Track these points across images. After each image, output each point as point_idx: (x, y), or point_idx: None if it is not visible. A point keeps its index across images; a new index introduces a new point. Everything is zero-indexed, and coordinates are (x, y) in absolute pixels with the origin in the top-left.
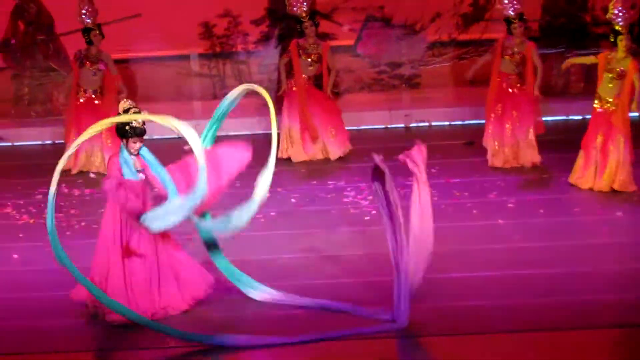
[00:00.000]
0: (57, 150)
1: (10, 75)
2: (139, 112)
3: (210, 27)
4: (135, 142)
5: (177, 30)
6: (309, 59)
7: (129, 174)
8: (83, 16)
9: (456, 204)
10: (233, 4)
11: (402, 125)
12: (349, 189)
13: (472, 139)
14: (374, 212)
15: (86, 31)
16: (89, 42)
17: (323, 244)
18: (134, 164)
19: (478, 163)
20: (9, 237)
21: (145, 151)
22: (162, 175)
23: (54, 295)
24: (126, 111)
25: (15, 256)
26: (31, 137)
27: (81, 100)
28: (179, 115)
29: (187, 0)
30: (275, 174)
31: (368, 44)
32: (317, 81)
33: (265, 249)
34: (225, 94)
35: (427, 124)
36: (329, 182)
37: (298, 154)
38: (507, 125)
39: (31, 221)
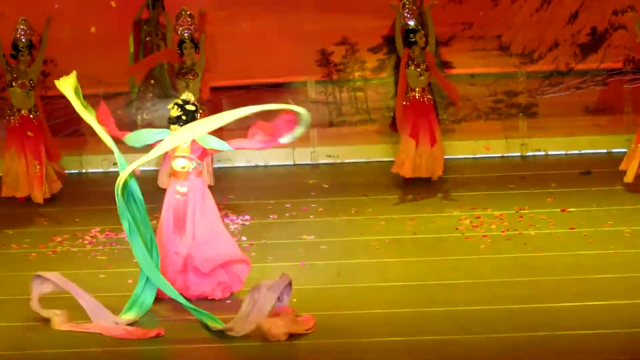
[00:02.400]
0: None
1: (126, 101)
2: (182, 108)
3: (328, 55)
4: (171, 129)
5: (294, 57)
6: (418, 69)
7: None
8: (181, 28)
9: (571, 234)
10: (351, 32)
11: (519, 154)
12: (464, 217)
13: (588, 169)
14: (489, 240)
15: (180, 43)
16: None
17: (436, 271)
18: (176, 148)
19: (594, 193)
20: (126, 262)
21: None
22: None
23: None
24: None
25: (130, 281)
26: (148, 163)
27: None
28: (295, 143)
29: (305, 28)
30: (390, 201)
31: None
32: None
33: (379, 275)
34: (343, 121)
35: (543, 153)
36: (445, 210)
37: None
38: None
39: None
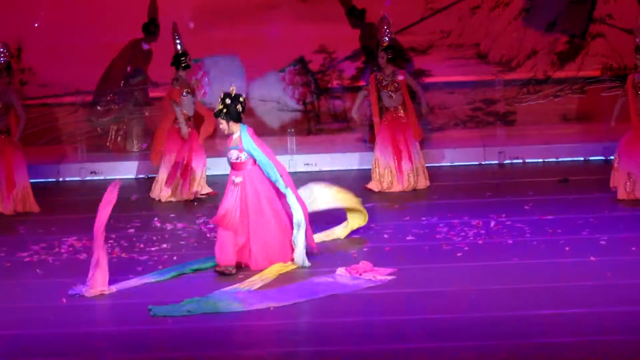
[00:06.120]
0: (150, 184)
1: (103, 110)
2: (223, 102)
3: (306, 63)
4: (220, 123)
5: (273, 66)
6: (387, 90)
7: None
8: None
9: (548, 241)
10: (329, 40)
11: (496, 162)
12: (441, 225)
13: (566, 177)
14: (466, 248)
15: (183, 55)
16: (186, 67)
17: (413, 279)
18: (231, 141)
19: (571, 200)
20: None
21: (245, 134)
22: (255, 156)
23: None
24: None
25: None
26: (125, 171)
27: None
28: (273, 151)
29: (283, 36)
30: (369, 209)
31: None
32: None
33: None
34: (321, 130)
35: (520, 161)
36: (422, 218)
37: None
38: None
39: (123, 255)
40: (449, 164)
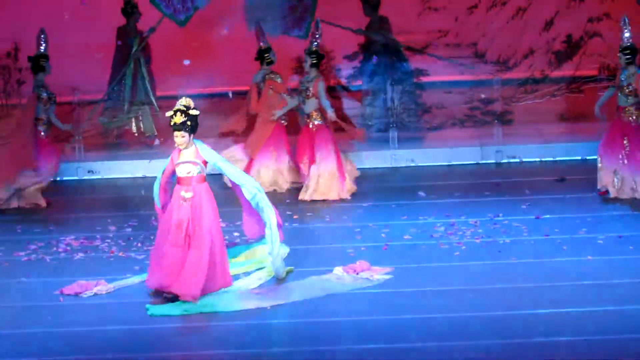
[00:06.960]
0: (147, 184)
1: (103, 108)
2: (186, 114)
3: (303, 62)
4: (175, 136)
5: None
6: (301, 96)
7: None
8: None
9: (546, 241)
10: (326, 40)
11: (494, 161)
12: (438, 224)
13: (563, 176)
14: (464, 247)
15: (267, 51)
16: (270, 62)
17: (411, 278)
18: (180, 155)
19: (568, 200)
20: (98, 271)
21: (204, 147)
22: (220, 167)
23: (140, 329)
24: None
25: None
26: (122, 171)
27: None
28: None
29: (281, 36)
30: (365, 208)
31: None
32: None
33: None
34: None
35: (518, 160)
36: (419, 217)
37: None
38: (621, 157)
39: (120, 254)
40: (446, 164)
